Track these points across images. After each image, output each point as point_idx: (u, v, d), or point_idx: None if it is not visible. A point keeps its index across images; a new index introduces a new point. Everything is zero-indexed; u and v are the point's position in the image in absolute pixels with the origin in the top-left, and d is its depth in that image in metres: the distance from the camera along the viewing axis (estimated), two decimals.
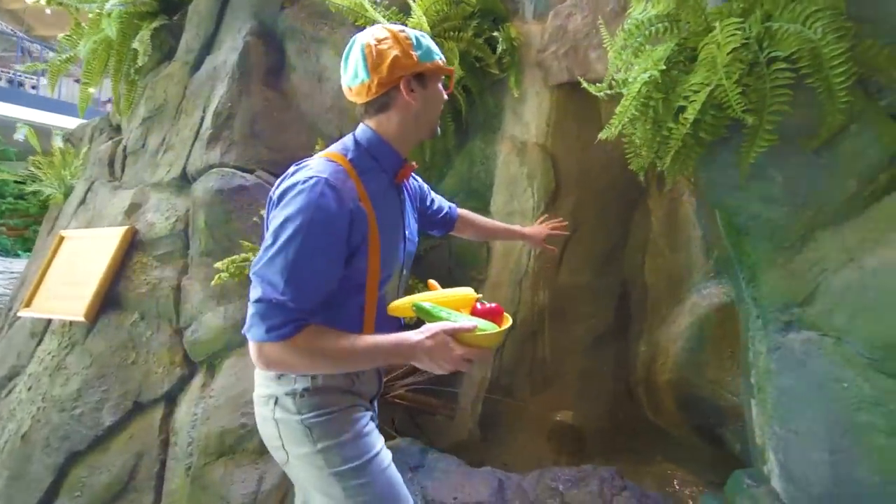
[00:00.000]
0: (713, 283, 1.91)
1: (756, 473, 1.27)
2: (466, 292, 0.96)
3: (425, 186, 1.29)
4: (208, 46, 2.43)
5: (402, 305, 0.90)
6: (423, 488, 1.51)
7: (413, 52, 0.90)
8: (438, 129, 1.02)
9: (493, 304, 0.91)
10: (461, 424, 2.09)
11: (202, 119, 2.21)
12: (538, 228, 1.58)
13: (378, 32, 0.92)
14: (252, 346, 0.83)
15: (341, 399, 0.94)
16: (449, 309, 0.88)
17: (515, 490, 1.43)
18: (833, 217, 1.09)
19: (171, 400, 1.85)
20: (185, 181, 2.18)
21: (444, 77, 0.99)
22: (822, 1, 0.98)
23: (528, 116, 2.22)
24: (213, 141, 2.09)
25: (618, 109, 1.27)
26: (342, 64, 0.96)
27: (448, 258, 2.26)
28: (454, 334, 0.81)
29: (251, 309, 0.82)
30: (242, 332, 0.84)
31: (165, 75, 2.47)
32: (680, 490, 1.96)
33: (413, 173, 1.15)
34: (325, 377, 0.92)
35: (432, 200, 1.32)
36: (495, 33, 2.14)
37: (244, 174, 2.02)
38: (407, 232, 1.05)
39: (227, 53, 2.25)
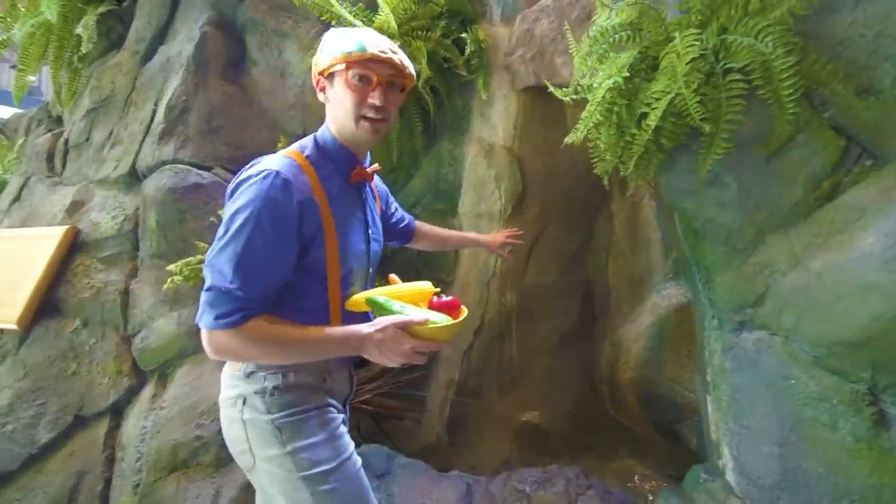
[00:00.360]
0: (672, 284, 1.98)
1: (712, 468, 1.32)
2: (424, 286, 0.96)
3: (388, 192, 1.29)
4: (161, 36, 2.29)
5: (357, 300, 0.91)
6: (390, 496, 1.47)
7: (319, 54, 0.94)
8: (370, 127, 0.92)
9: (450, 298, 0.92)
10: (429, 428, 2.07)
11: (154, 112, 2.08)
12: (494, 235, 1.63)
13: None
14: (203, 334, 0.83)
15: (313, 398, 0.92)
16: (403, 302, 0.88)
17: (483, 494, 1.43)
18: (782, 222, 1.15)
19: (117, 413, 1.73)
20: (134, 178, 2.04)
21: (349, 78, 0.89)
22: (772, 17, 1.02)
23: (496, 119, 2.23)
24: (167, 136, 1.97)
25: (583, 114, 1.29)
26: None
27: (416, 259, 2.24)
28: (405, 327, 0.82)
29: (202, 297, 0.83)
30: (195, 320, 0.85)
31: (113, 65, 2.31)
32: (640, 485, 2.02)
33: (379, 177, 1.15)
34: (296, 374, 0.91)
35: (396, 208, 1.33)
36: (463, 35, 2.14)
37: (200, 171, 1.92)
38: (371, 231, 1.04)
39: (183, 44, 2.13)
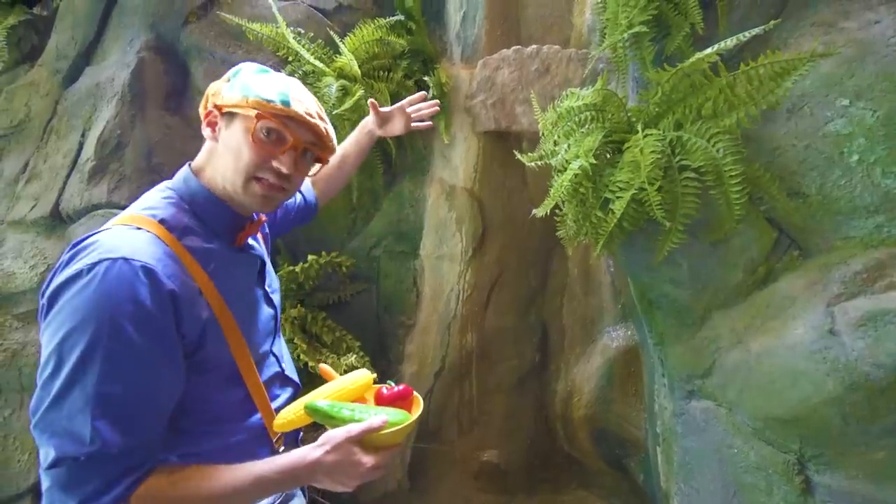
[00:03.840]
0: (620, 327, 2.12)
1: None
2: (363, 375, 0.84)
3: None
4: (87, 55, 2.05)
5: (291, 417, 0.74)
6: None
7: (225, 83, 0.73)
8: (260, 192, 0.72)
9: (401, 386, 0.80)
10: (389, 476, 2.05)
11: (81, 145, 1.87)
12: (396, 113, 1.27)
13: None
14: None
15: None
16: (350, 404, 0.75)
17: None
18: (725, 301, 1.27)
19: (40, 495, 1.53)
20: (56, 220, 1.82)
21: (253, 128, 0.70)
22: (721, 124, 1.13)
23: (457, 161, 2.25)
24: (98, 174, 1.77)
25: (551, 192, 1.34)
26: None
27: (376, 305, 2.21)
28: (361, 439, 0.66)
29: (46, 480, 0.58)
30: None
31: (28, 84, 2.04)
32: None
33: None
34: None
35: (291, 205, 1.08)
36: (426, 77, 2.13)
37: None
38: (269, 290, 0.85)
39: (116, 69, 1.92)
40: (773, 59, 1.04)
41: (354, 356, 1.77)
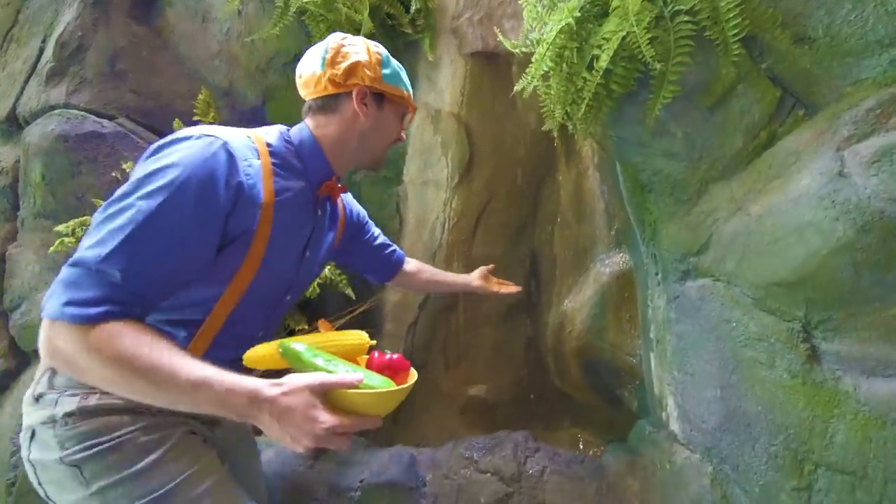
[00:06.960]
0: (614, 253, 2.01)
1: (655, 421, 1.33)
2: (359, 336, 0.79)
3: (363, 214, 1.19)
4: None
5: (264, 353, 0.69)
6: (324, 474, 1.34)
7: (379, 68, 0.88)
8: (381, 164, 0.97)
9: (396, 355, 0.73)
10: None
11: (41, 51, 1.77)
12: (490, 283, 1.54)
13: (350, 37, 0.89)
14: (42, 324, 0.62)
15: (130, 421, 0.70)
16: (330, 355, 0.68)
17: (428, 464, 1.34)
18: (723, 171, 1.16)
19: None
20: (14, 125, 1.73)
21: (404, 113, 0.96)
22: None
23: (443, 84, 2.14)
24: (57, 76, 1.67)
25: (534, 58, 1.24)
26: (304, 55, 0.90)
27: None
28: (327, 392, 0.60)
29: (64, 271, 0.62)
30: (41, 305, 0.63)
31: None
32: (585, 451, 2.05)
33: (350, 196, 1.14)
34: (102, 394, 0.68)
35: (375, 236, 1.22)
36: None
37: (100, 119, 1.65)
38: (308, 253, 0.89)
39: None
40: None
41: (328, 268, 1.66)
